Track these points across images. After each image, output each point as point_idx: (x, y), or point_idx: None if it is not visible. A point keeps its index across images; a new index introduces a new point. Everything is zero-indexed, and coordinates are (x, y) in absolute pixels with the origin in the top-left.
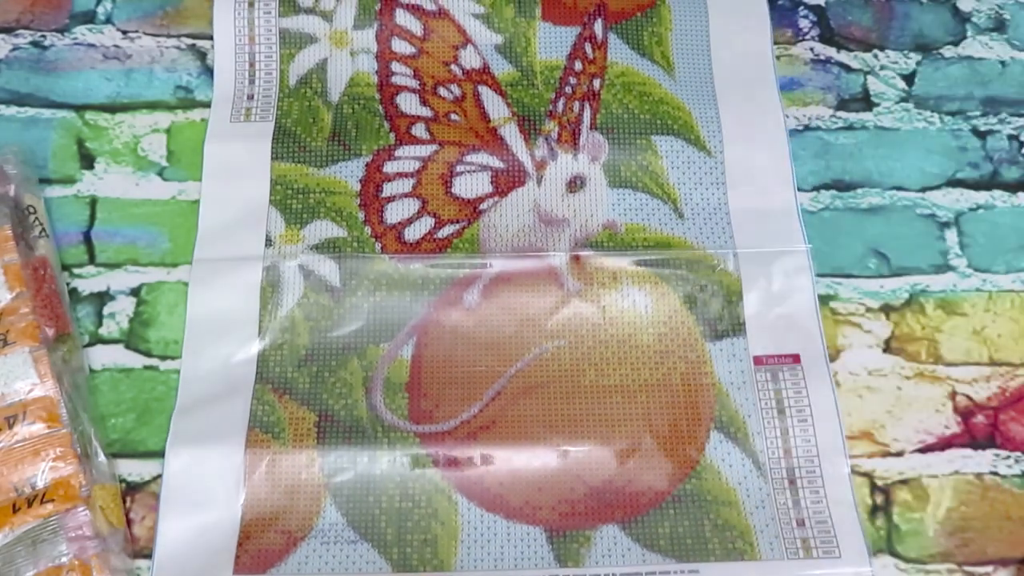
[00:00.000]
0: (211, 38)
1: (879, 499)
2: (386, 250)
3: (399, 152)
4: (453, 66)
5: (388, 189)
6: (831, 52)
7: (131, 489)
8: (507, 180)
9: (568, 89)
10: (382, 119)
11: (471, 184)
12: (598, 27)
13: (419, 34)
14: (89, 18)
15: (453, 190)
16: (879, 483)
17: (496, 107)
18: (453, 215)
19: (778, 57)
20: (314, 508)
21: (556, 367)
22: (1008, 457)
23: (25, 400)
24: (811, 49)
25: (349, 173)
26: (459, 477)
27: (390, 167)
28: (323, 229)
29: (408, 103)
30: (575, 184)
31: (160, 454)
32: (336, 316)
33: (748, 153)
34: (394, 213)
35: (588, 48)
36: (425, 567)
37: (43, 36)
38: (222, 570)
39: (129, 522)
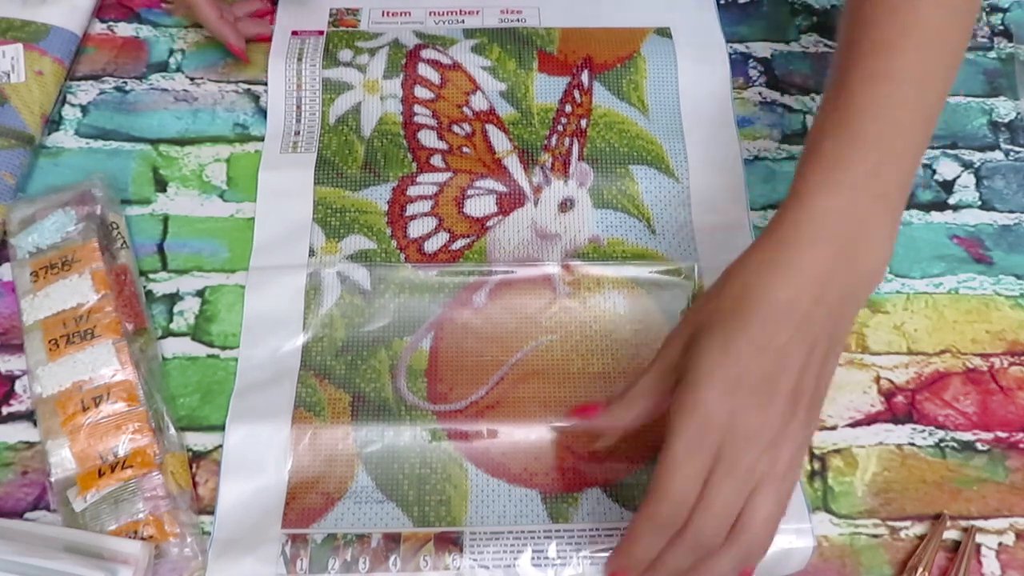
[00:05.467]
0: (263, 84)
1: (816, 465)
2: (409, 260)
3: (420, 179)
4: (465, 108)
5: (411, 209)
6: (776, 96)
7: (196, 457)
8: (509, 202)
9: (560, 127)
10: (406, 151)
11: (479, 205)
12: (584, 77)
13: (437, 83)
14: (163, 67)
15: (465, 210)
16: (816, 452)
17: (500, 142)
18: (464, 231)
19: (732, 99)
20: (348, 474)
21: (549, 357)
22: (923, 431)
23: (109, 383)
24: (759, 93)
25: (378, 196)
26: (469, 448)
27: (412, 191)
28: (357, 242)
29: (428, 138)
30: (566, 205)
31: (221, 428)
32: (367, 314)
33: (709, 179)
34: (416, 229)
35: (576, 94)
36: (440, 523)
37: (124, 82)
38: (272, 524)
39: (195, 484)
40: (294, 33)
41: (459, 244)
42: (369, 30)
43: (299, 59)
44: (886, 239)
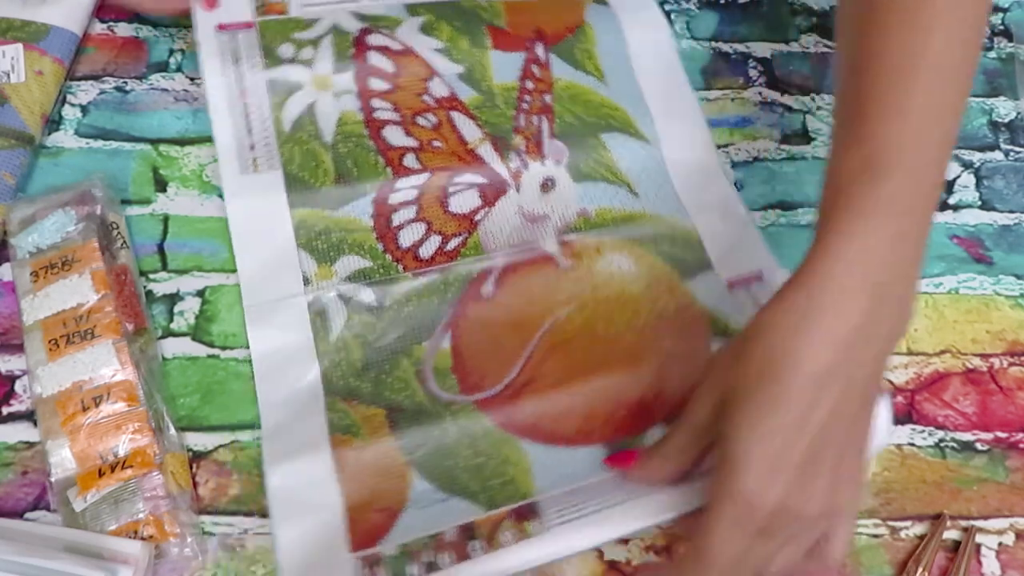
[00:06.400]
0: None
1: None
2: (407, 269)
3: (398, 184)
4: (425, 96)
5: (396, 219)
6: (776, 96)
7: (197, 457)
8: (492, 192)
9: (525, 105)
10: (376, 154)
11: (463, 201)
12: (540, 50)
13: (391, 71)
14: (163, 67)
15: (450, 208)
16: None
17: (470, 130)
18: (455, 229)
19: (732, 99)
20: (403, 484)
21: (570, 328)
22: (923, 431)
23: (109, 383)
24: (759, 93)
25: (361, 211)
26: (517, 426)
27: (394, 198)
28: (351, 263)
29: (394, 135)
30: (547, 185)
31: (221, 428)
32: (379, 329)
33: (677, 133)
34: (406, 238)
35: (535, 69)
36: (511, 501)
37: (125, 82)
38: (339, 553)
39: (195, 484)
40: (220, 27)
41: (453, 244)
42: (302, 16)
43: (235, 61)
44: (914, 281)
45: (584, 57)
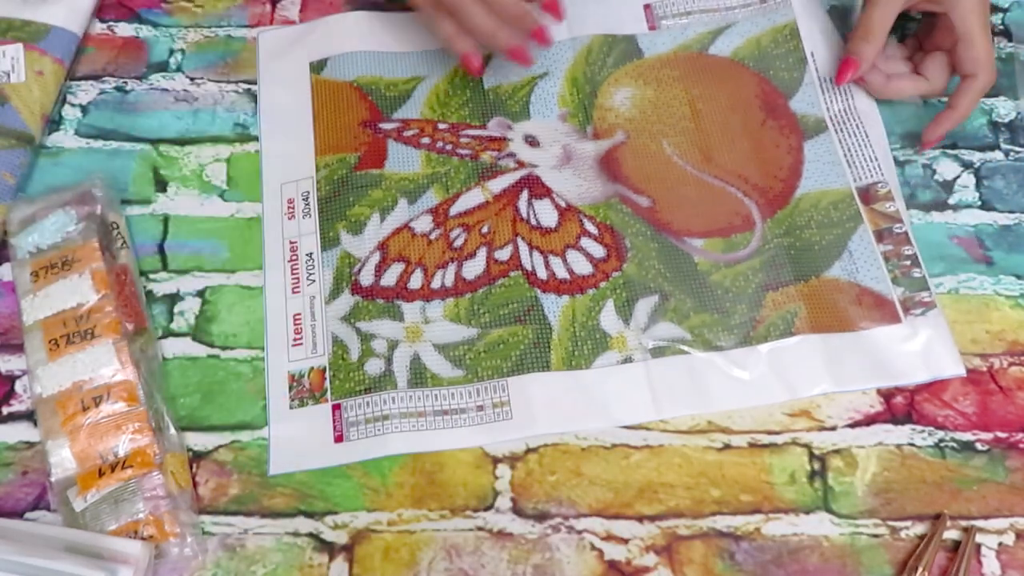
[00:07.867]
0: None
1: (816, 466)
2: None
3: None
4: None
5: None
6: None
7: (197, 457)
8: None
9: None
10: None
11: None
12: None
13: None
14: (163, 67)
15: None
16: (816, 452)
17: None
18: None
19: None
20: None
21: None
22: (923, 431)
23: (109, 383)
24: None
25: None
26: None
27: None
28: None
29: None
30: (533, 142)
31: (221, 428)
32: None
33: None
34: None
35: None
36: None
37: (125, 82)
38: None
39: (195, 484)
40: None
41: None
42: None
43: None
44: None
45: None
